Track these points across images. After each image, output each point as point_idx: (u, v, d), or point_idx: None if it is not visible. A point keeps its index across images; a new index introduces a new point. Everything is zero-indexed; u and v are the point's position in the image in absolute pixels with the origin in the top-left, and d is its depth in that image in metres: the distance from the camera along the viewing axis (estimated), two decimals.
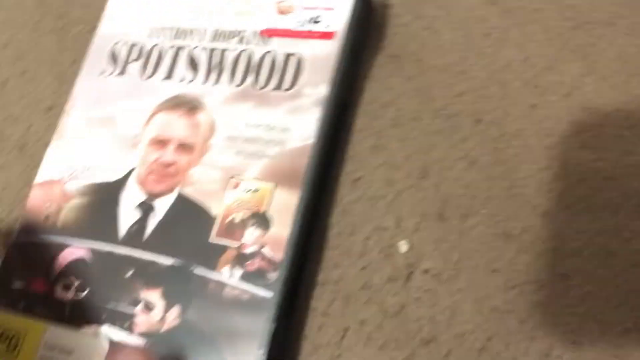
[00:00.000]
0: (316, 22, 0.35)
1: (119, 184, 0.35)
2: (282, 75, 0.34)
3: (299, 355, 0.30)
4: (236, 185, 0.32)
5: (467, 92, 0.33)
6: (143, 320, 0.31)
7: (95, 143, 0.36)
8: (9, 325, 0.33)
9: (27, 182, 0.38)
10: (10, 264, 0.35)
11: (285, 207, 0.31)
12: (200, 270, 0.31)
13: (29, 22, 0.44)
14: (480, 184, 0.31)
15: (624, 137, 0.30)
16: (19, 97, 0.41)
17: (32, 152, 0.40)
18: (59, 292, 0.33)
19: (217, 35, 0.37)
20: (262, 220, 0.31)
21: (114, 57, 0.38)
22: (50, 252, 0.34)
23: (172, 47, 0.37)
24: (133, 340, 0.31)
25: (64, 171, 0.36)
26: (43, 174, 0.37)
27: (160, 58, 0.37)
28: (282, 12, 0.36)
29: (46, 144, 0.37)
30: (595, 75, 0.31)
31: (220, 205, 0.32)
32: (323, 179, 0.32)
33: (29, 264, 0.35)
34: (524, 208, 0.30)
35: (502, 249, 0.29)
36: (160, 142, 0.35)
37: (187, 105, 0.35)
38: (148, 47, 0.38)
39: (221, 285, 0.31)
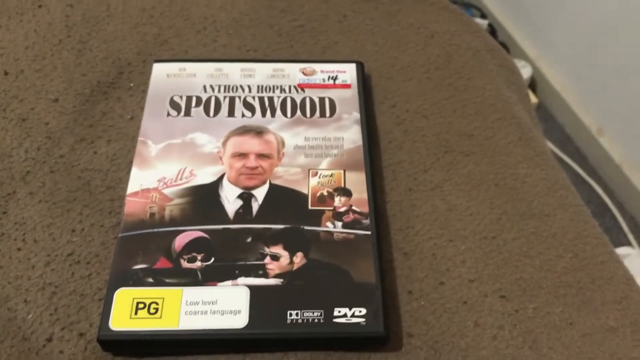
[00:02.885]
0: (335, 79, 0.52)
1: (215, 185, 0.44)
2: (322, 109, 0.49)
3: (395, 267, 0.42)
4: (314, 174, 0.45)
5: None
6: (274, 267, 0.40)
7: (181, 160, 0.45)
8: (142, 296, 0.38)
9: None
10: (124, 252, 0.40)
11: (357, 182, 0.45)
12: (309, 227, 0.42)
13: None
14: None
15: None
16: None
17: None
18: (185, 265, 0.40)
19: (261, 89, 0.51)
20: (345, 191, 0.44)
21: (175, 105, 0.49)
22: (165, 238, 0.41)
23: (225, 97, 0.50)
24: (271, 281, 0.39)
25: (154, 183, 0.44)
26: (133, 186, 0.44)
27: (218, 104, 0.49)
28: (306, 74, 0.52)
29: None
30: None
31: (307, 187, 0.44)
32: (373, 162, 0.47)
33: (145, 250, 0.40)
34: None
35: None
36: (241, 155, 0.46)
37: (255, 130, 0.47)
38: (204, 98, 0.50)
39: (330, 233, 0.42)
